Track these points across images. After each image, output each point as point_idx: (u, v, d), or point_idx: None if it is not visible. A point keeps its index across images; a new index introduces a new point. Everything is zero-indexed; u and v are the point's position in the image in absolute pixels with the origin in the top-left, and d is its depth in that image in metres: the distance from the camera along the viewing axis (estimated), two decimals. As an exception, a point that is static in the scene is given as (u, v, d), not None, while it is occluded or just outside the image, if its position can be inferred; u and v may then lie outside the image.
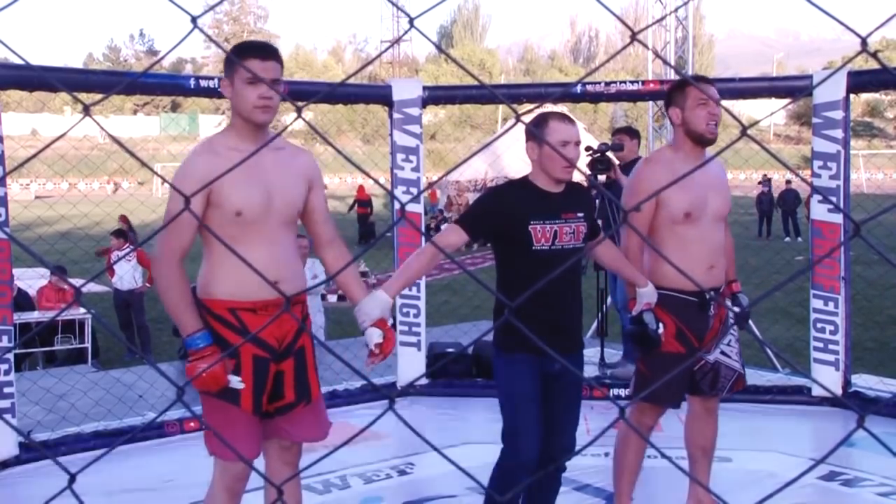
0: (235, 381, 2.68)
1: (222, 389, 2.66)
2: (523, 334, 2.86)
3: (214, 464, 2.83)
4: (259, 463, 2.88)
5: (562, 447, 3.20)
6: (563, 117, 3.15)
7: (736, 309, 3.65)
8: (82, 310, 8.74)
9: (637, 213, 3.39)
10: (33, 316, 8.93)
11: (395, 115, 5.75)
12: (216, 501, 2.82)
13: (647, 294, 3.38)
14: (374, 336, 2.85)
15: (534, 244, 3.04)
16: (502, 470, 3.16)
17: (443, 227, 20.83)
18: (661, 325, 3.39)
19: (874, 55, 0.94)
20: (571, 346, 3.20)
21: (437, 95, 6.06)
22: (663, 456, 0.99)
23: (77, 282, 9.89)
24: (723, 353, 3.54)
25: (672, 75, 7.87)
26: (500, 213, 3.08)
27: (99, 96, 4.86)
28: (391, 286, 2.98)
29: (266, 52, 2.74)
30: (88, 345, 9.05)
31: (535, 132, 3.13)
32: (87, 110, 1.03)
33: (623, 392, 5.77)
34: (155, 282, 2.71)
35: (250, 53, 2.70)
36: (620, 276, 3.49)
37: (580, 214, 3.13)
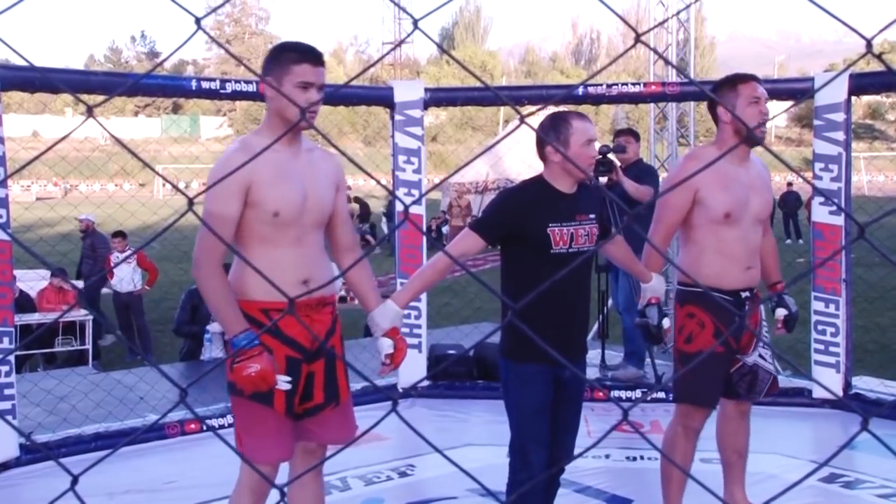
0: (283, 382, 2.68)
1: (257, 391, 2.64)
2: (536, 342, 2.87)
3: (241, 464, 2.82)
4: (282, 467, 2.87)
5: (566, 452, 3.18)
6: (582, 115, 3.11)
7: (784, 311, 3.58)
8: (83, 311, 8.74)
9: (670, 209, 3.36)
10: (34, 318, 8.93)
11: (397, 117, 5.75)
12: (242, 502, 2.81)
13: (651, 289, 3.39)
14: (385, 346, 2.88)
15: (552, 247, 2.98)
16: (515, 483, 3.10)
17: (444, 229, 20.87)
18: (665, 320, 3.39)
19: (879, 57, 0.94)
20: (580, 351, 3.17)
21: (438, 97, 6.06)
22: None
23: (80, 284, 9.91)
24: (761, 356, 3.49)
25: (674, 77, 7.87)
26: (516, 214, 3.00)
27: (100, 98, 4.87)
28: (401, 296, 2.97)
29: (319, 57, 2.74)
30: (89, 346, 9.05)
31: (548, 135, 3.04)
32: (90, 111, 1.03)
33: (624, 394, 5.77)
34: (198, 285, 2.70)
35: (306, 58, 2.69)
36: (629, 272, 3.48)
37: (592, 216, 3.10)
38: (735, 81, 3.36)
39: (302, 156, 2.78)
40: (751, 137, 3.25)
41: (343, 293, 11.15)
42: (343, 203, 2.96)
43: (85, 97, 4.85)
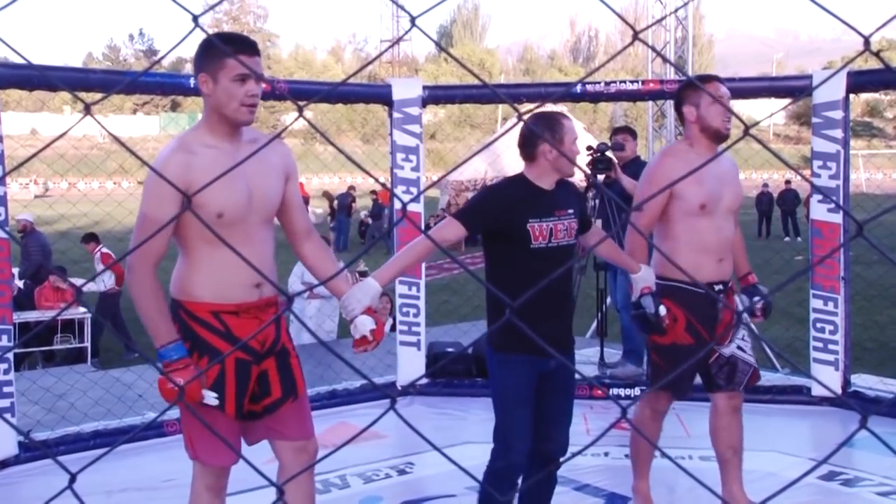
0: (210, 398, 2.60)
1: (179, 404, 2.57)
2: (520, 334, 2.93)
3: (193, 466, 2.79)
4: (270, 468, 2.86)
5: (558, 445, 3.23)
6: (566, 116, 3.22)
7: (757, 300, 3.71)
8: (82, 309, 8.73)
9: (651, 203, 3.46)
10: (32, 315, 8.92)
11: (395, 115, 5.75)
12: (201, 500, 2.79)
13: (642, 279, 3.44)
14: (368, 323, 2.80)
15: (532, 242, 3.06)
16: (495, 471, 3.17)
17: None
18: (661, 308, 3.44)
19: (877, 55, 0.94)
20: (566, 343, 3.23)
21: (436, 95, 6.06)
22: (663, 455, 0.99)
23: (77, 281, 9.90)
24: (739, 347, 3.58)
25: (673, 75, 7.87)
26: (499, 210, 3.09)
27: (99, 95, 4.87)
28: (382, 275, 2.97)
29: (253, 46, 2.63)
30: (88, 344, 9.05)
31: (543, 133, 3.13)
32: (87, 109, 1.03)
33: (623, 392, 5.77)
34: (128, 289, 2.60)
35: (239, 48, 2.56)
36: (616, 264, 3.52)
37: (571, 211, 3.18)
38: (699, 82, 3.56)
39: (244, 150, 2.65)
40: (716, 136, 3.46)
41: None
42: (295, 191, 2.86)
43: (83, 95, 4.84)
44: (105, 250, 10.06)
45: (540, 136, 3.11)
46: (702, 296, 3.45)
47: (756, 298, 3.72)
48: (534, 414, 3.17)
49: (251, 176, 2.65)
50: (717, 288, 3.52)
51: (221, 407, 2.64)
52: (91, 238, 9.86)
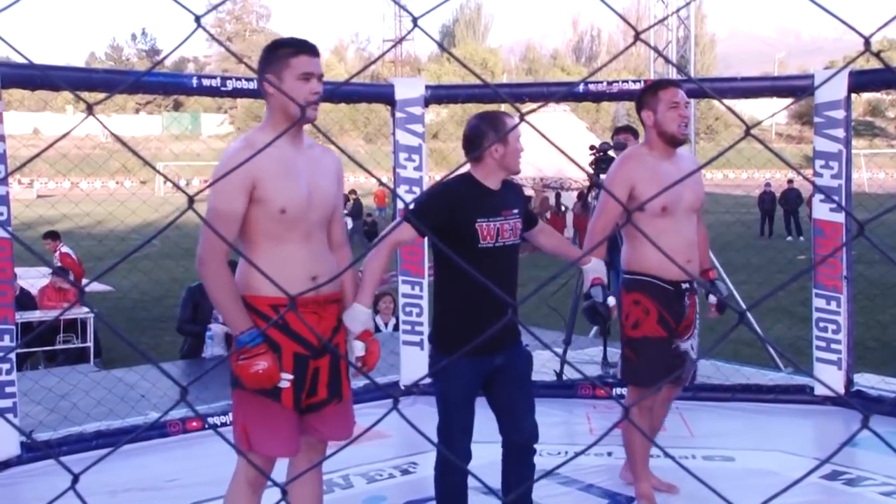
0: (285, 380, 2.69)
1: (261, 388, 2.66)
2: (464, 335, 3.00)
3: (238, 459, 2.84)
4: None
5: (527, 434, 3.33)
6: (510, 115, 3.32)
7: (714, 297, 3.87)
8: (85, 309, 8.73)
9: (611, 205, 3.61)
10: (35, 315, 8.92)
11: (398, 115, 5.74)
12: (240, 495, 2.83)
13: (593, 269, 3.52)
14: (357, 349, 2.90)
15: (480, 241, 3.14)
16: (442, 464, 3.36)
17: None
18: (610, 298, 3.52)
19: (877, 55, 0.94)
20: (514, 339, 3.31)
21: (439, 94, 6.05)
22: (666, 455, 0.99)
23: (82, 281, 9.91)
24: (692, 346, 3.80)
25: (675, 75, 7.87)
26: (448, 208, 3.15)
27: (101, 95, 4.87)
28: (364, 296, 3.02)
29: (315, 48, 2.78)
30: (91, 344, 9.05)
31: (488, 133, 3.20)
32: (90, 109, 1.03)
33: (626, 391, 5.76)
34: (203, 282, 2.71)
35: (303, 50, 2.72)
36: (561, 257, 3.54)
37: (516, 211, 3.26)
38: (657, 88, 3.70)
39: (304, 152, 2.79)
40: (672, 140, 3.62)
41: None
42: (340, 200, 2.99)
43: (85, 95, 4.84)
44: (65, 249, 10.02)
45: (482, 135, 3.20)
46: (671, 291, 3.62)
47: (712, 296, 3.88)
48: (493, 408, 3.33)
49: (311, 176, 2.76)
50: (684, 286, 3.67)
51: (278, 398, 2.70)
52: (51, 236, 9.80)
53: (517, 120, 3.16)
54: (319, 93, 2.73)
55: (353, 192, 21.62)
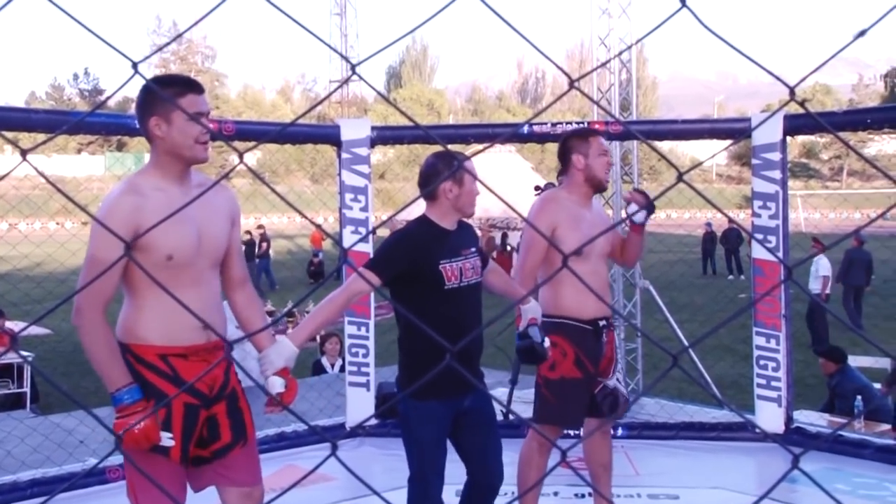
0: (166, 438, 2.57)
1: (138, 448, 2.52)
2: (433, 379, 2.99)
3: None
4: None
5: (494, 475, 3.34)
6: (466, 156, 3.40)
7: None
8: (25, 352, 8.50)
9: (534, 247, 3.74)
10: (-31, 360, 8.65)
11: (344, 155, 5.75)
12: None
13: (531, 310, 3.53)
14: (276, 385, 2.82)
15: (445, 283, 3.15)
16: None
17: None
18: (546, 339, 3.53)
19: (802, 104, 0.98)
20: (478, 378, 3.34)
21: (385, 135, 6.07)
22: (597, 493, 1.00)
23: (17, 325, 9.65)
24: (618, 380, 3.92)
25: (617, 117, 8.01)
26: (410, 254, 3.15)
27: (42, 136, 4.79)
28: (297, 335, 2.97)
29: (199, 86, 2.68)
30: (27, 389, 8.79)
31: (442, 174, 3.23)
32: (24, 155, 1.02)
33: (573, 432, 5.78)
34: (78, 333, 2.55)
35: (188, 89, 2.61)
36: (507, 297, 3.56)
37: (473, 249, 3.31)
38: (587, 134, 3.85)
39: (193, 193, 2.64)
40: (599, 185, 3.79)
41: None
42: (236, 237, 2.87)
43: (25, 136, 4.76)
44: None
45: (434, 175, 3.22)
46: (588, 331, 3.71)
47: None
48: (461, 451, 3.31)
49: (200, 219, 2.65)
50: (601, 324, 3.77)
51: (166, 453, 2.59)
52: None
53: (471, 162, 3.22)
54: (209, 130, 2.67)
55: (248, 232, 20.59)
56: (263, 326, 2.94)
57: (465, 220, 3.34)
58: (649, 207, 3.75)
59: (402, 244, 3.22)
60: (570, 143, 3.83)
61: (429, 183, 3.24)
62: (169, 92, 2.60)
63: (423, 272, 3.13)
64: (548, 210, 3.75)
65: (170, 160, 2.64)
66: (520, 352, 3.54)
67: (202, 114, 2.62)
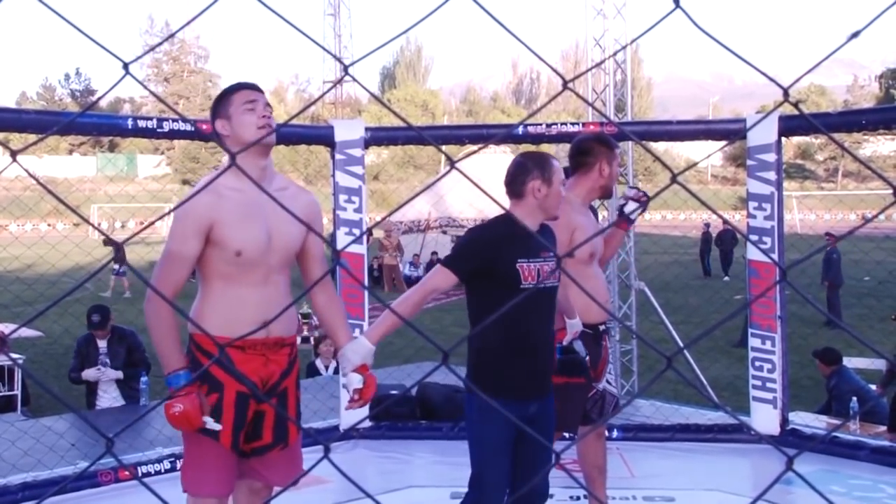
0: (211, 423, 2.69)
1: (180, 429, 2.70)
2: (503, 378, 2.94)
3: (187, 500, 2.82)
4: None
5: (539, 492, 3.21)
6: (555, 157, 3.27)
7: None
8: (16, 355, 8.45)
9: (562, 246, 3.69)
10: (-39, 362, 8.59)
11: (338, 156, 5.73)
12: None
13: (576, 325, 3.57)
14: (355, 381, 2.90)
15: (521, 283, 3.03)
16: None
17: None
18: (587, 354, 3.60)
19: (796, 105, 0.96)
20: (547, 388, 3.20)
21: (379, 136, 6.05)
22: (591, 495, 0.98)
23: (8, 327, 9.61)
24: (607, 380, 3.92)
25: (613, 116, 8.01)
26: (489, 251, 3.06)
27: (32, 137, 4.76)
28: (373, 333, 3.01)
29: (254, 84, 2.88)
30: (18, 392, 8.74)
31: (532, 172, 3.15)
32: (14, 156, 1.00)
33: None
34: (145, 317, 2.73)
35: (241, 86, 2.84)
36: (562, 311, 3.53)
37: (552, 253, 3.17)
38: (613, 146, 3.84)
39: (272, 194, 2.78)
40: (607, 192, 3.91)
41: (307, 334, 11.00)
42: (316, 240, 2.96)
43: (15, 136, 4.73)
44: None
45: (525, 174, 3.13)
46: (590, 336, 3.72)
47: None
48: (511, 464, 3.12)
49: (273, 220, 2.79)
50: (601, 328, 3.82)
51: (216, 436, 2.71)
52: None
53: (559, 163, 3.18)
54: (269, 116, 2.80)
55: None
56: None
57: (547, 222, 3.22)
58: (645, 206, 3.80)
59: (477, 241, 3.14)
60: (597, 149, 3.78)
61: (516, 181, 3.14)
62: (224, 93, 2.84)
63: (498, 269, 3.03)
64: (566, 213, 3.63)
65: (242, 157, 2.76)
66: (564, 364, 3.48)
67: (256, 101, 2.79)
